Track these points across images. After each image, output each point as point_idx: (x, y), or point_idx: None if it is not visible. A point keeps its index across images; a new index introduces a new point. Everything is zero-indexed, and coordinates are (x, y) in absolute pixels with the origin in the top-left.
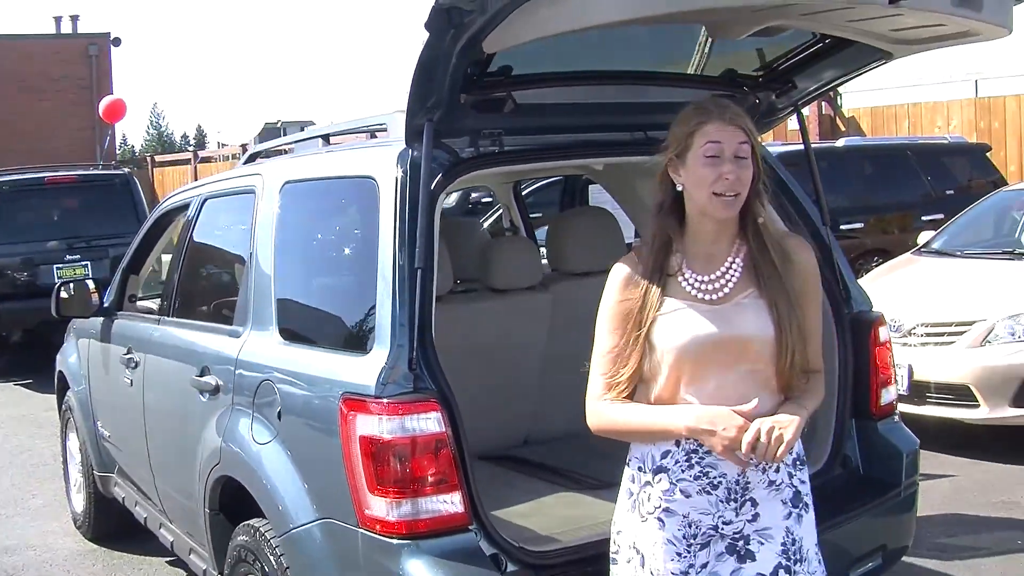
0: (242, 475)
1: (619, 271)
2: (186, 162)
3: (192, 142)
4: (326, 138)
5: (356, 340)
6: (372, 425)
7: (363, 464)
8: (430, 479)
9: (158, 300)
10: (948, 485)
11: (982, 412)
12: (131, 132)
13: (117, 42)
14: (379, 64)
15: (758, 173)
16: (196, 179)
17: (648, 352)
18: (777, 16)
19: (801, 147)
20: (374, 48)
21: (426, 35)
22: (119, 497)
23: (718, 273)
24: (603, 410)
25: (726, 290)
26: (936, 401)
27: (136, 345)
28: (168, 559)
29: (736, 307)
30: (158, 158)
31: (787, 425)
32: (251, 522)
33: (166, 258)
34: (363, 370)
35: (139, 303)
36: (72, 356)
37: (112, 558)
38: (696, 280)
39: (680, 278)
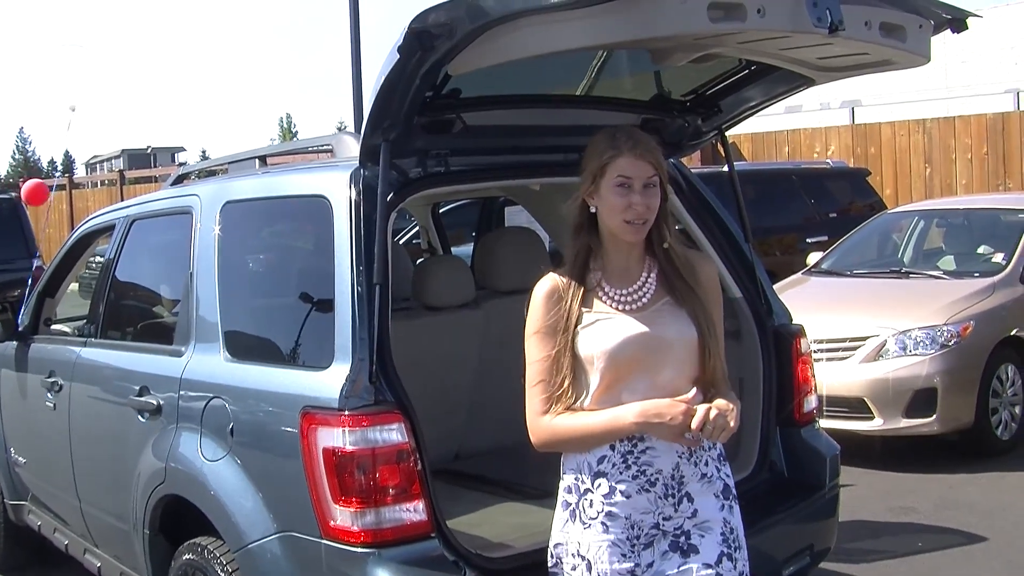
0: (191, 493)
1: (541, 288)
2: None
3: (59, 167)
4: (263, 159)
5: (313, 355)
6: (335, 437)
7: (326, 476)
8: (393, 489)
9: (74, 323)
10: (848, 494)
11: (877, 423)
12: None
13: None
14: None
15: (664, 199)
16: (71, 204)
17: (576, 362)
18: (717, 44)
19: (705, 170)
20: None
21: (394, 57)
22: (34, 525)
23: (634, 287)
24: (547, 425)
25: (643, 300)
26: (832, 414)
27: (59, 368)
28: None
29: (656, 313)
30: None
31: (727, 410)
32: (197, 540)
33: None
34: (324, 384)
35: (53, 326)
36: None
37: None
38: (615, 293)
39: (599, 292)
